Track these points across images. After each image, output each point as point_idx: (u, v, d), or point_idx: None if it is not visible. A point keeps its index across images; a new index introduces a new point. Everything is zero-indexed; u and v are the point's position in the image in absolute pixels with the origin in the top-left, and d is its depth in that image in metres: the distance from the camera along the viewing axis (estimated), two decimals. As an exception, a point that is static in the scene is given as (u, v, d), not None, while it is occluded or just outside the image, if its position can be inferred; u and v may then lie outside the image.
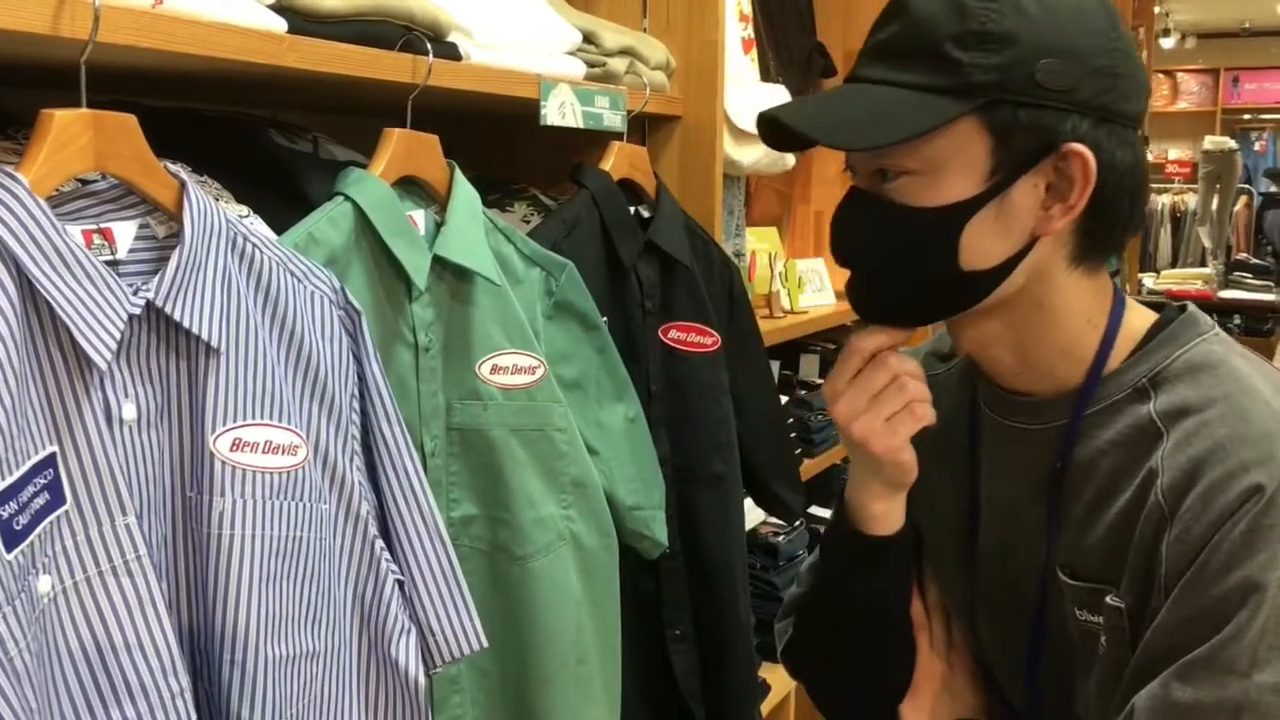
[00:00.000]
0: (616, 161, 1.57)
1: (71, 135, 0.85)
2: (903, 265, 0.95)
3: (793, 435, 2.39)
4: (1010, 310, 0.96)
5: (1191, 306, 0.99)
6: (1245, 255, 9.04)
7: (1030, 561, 1.00)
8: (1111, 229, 0.94)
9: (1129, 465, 0.92)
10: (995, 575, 1.06)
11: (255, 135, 1.28)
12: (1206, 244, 9.15)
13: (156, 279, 0.88)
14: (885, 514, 1.02)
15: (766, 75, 2.51)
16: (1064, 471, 0.97)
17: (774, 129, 0.96)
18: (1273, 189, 9.87)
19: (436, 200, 1.25)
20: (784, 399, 2.35)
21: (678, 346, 1.63)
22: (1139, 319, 0.98)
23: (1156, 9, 6.98)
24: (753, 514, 2.05)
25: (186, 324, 0.89)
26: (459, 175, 1.26)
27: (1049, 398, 0.98)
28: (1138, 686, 0.87)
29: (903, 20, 0.93)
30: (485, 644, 1.09)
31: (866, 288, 0.99)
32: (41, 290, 0.80)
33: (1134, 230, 0.97)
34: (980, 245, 0.92)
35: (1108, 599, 0.92)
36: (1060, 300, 0.96)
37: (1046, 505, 0.98)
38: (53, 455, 0.81)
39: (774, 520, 2.33)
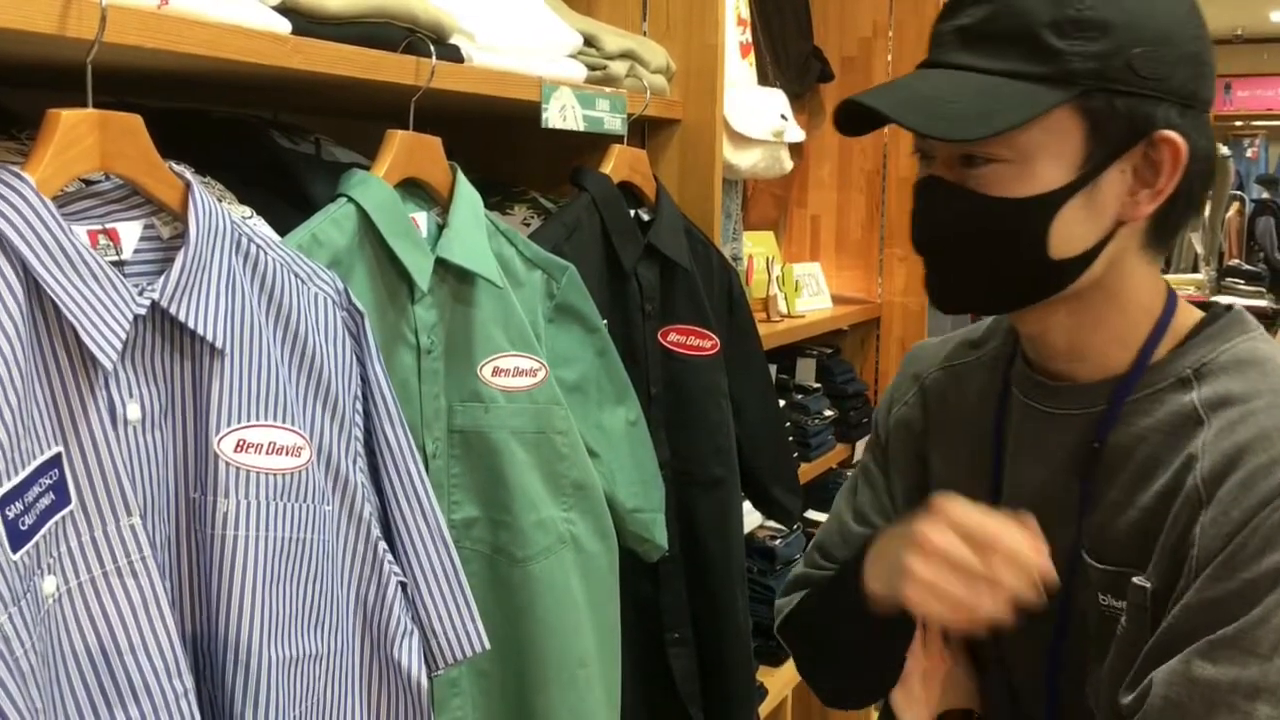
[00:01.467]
0: (617, 164, 1.57)
1: (78, 135, 0.85)
2: (990, 255, 0.94)
3: (790, 439, 2.39)
4: (1080, 299, 0.96)
5: (1238, 307, 1.00)
6: (1237, 261, 9.06)
7: (1057, 546, 0.99)
8: (1185, 212, 0.95)
9: (1166, 452, 0.93)
10: None
11: (258, 136, 1.28)
12: (1199, 250, 9.16)
13: (161, 280, 0.88)
14: (899, 611, 0.97)
15: (764, 80, 2.52)
16: (1100, 452, 0.97)
17: (854, 115, 0.94)
18: (1265, 195, 9.90)
19: (439, 202, 1.25)
20: (781, 403, 2.35)
21: (677, 350, 1.63)
22: (1188, 315, 0.99)
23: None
24: (750, 517, 2.05)
25: (191, 325, 0.89)
26: (461, 177, 1.26)
27: (1090, 384, 0.99)
28: (1157, 663, 0.87)
29: (991, 4, 0.91)
30: (487, 646, 1.09)
31: (950, 278, 0.98)
32: (48, 290, 0.80)
33: (1196, 213, 0.98)
34: (1069, 233, 0.92)
35: (1134, 579, 0.92)
36: (1128, 288, 0.96)
37: (1080, 485, 0.98)
38: (58, 455, 0.81)
39: (772, 524, 2.34)
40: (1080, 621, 0.99)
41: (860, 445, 2.87)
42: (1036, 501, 1.02)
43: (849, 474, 2.86)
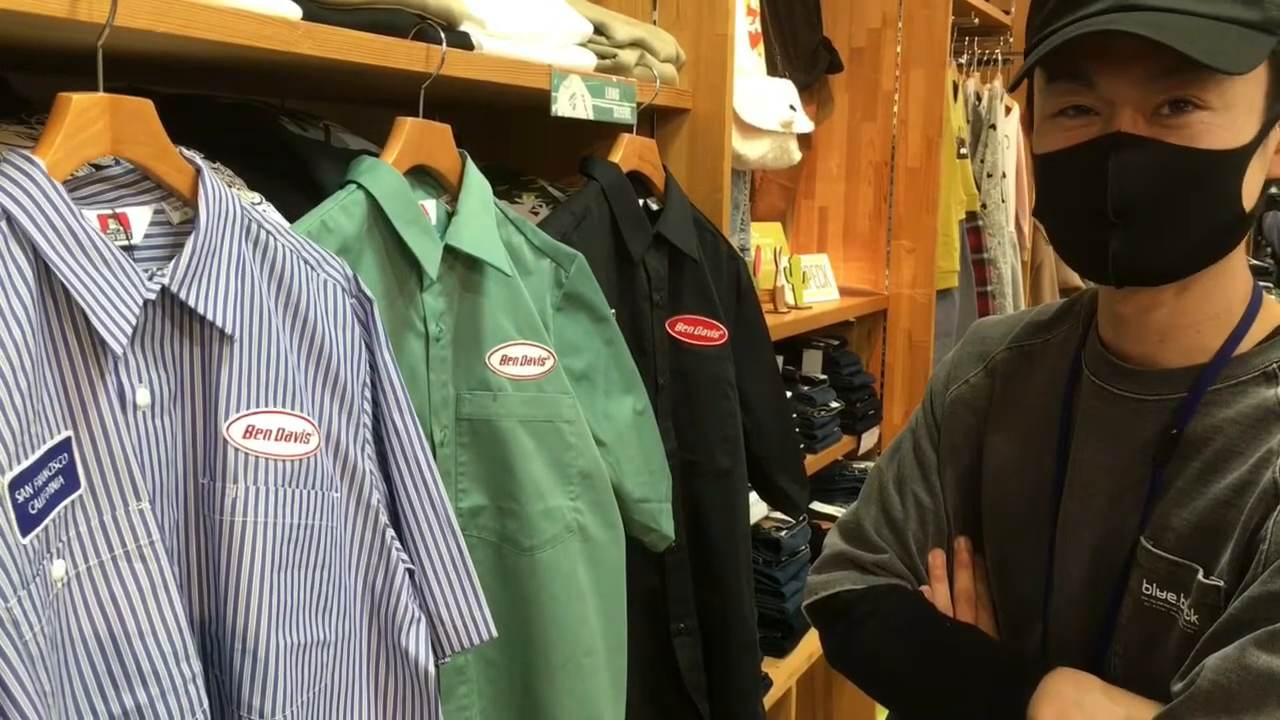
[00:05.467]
0: (626, 154, 1.57)
1: (88, 119, 0.85)
2: (1196, 211, 0.90)
3: (796, 431, 2.39)
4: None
5: None
6: (1245, 257, 9.04)
7: (1117, 530, 0.99)
8: None
9: (1243, 445, 0.92)
10: (1072, 543, 1.04)
11: (268, 122, 1.27)
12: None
13: (172, 265, 0.88)
14: None
15: (773, 70, 2.51)
16: (1177, 439, 0.96)
17: (1068, 52, 0.88)
18: (1272, 190, 9.87)
19: (448, 190, 1.25)
20: (787, 394, 2.35)
21: (685, 340, 1.63)
22: (1276, 309, 0.99)
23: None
24: (756, 509, 2.05)
25: (201, 310, 0.89)
26: (471, 165, 1.26)
27: (1171, 370, 0.98)
28: (1211, 652, 0.87)
29: None
30: (495, 634, 1.09)
31: (1146, 241, 0.91)
32: (58, 275, 0.80)
33: None
34: (1251, 186, 0.92)
35: (1200, 578, 0.91)
36: (1236, 258, 0.96)
37: (1152, 471, 0.97)
38: (68, 440, 0.81)
39: (777, 515, 2.34)
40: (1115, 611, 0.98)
41: (867, 437, 2.86)
42: (1102, 486, 1.02)
43: (855, 466, 2.88)
